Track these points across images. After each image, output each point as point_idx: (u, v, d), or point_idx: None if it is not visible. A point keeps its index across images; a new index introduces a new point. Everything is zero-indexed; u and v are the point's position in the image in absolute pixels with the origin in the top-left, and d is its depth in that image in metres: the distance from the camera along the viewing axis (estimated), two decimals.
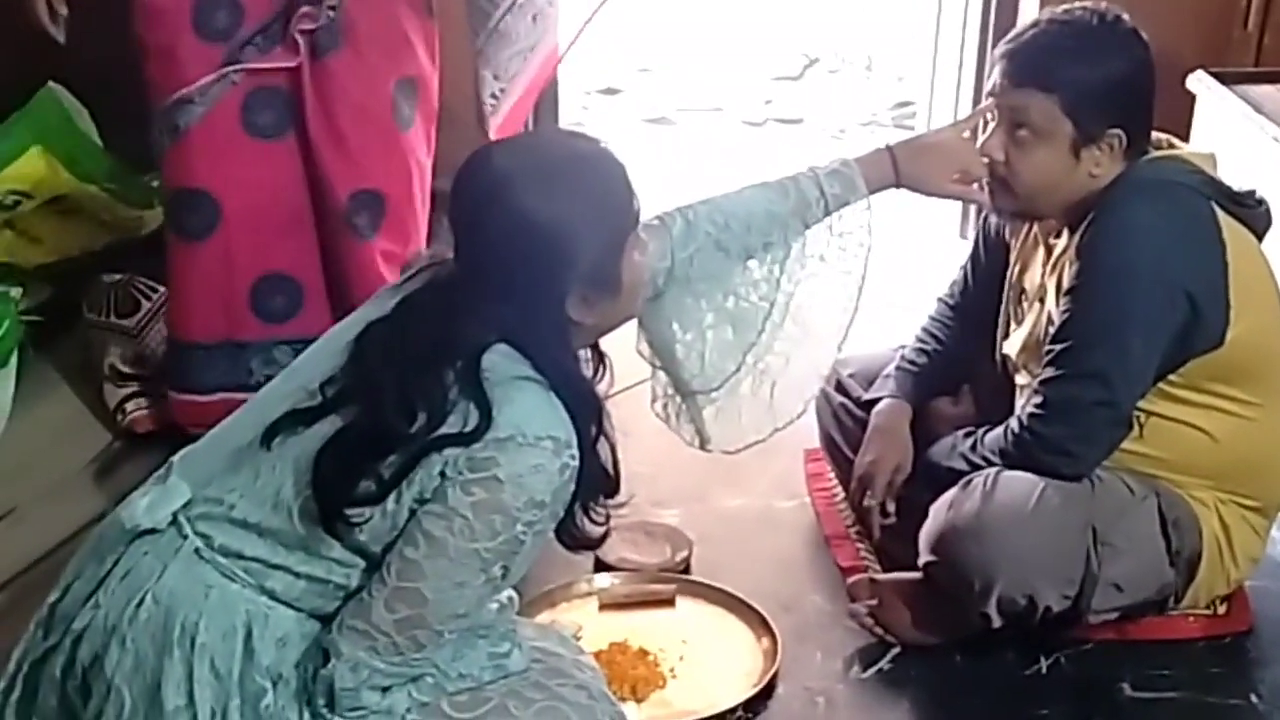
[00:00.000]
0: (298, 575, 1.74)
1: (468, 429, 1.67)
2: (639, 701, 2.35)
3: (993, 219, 2.61)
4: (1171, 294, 2.26)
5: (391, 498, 1.69)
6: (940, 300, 2.77)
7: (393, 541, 1.71)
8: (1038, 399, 2.35)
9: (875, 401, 2.69)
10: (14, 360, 3.13)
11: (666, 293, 2.17)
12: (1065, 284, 2.33)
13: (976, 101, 4.25)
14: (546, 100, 4.15)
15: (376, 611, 1.70)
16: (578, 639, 2.35)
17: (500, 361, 1.72)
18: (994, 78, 2.33)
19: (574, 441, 1.71)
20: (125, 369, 3.15)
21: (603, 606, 2.58)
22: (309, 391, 1.76)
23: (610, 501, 1.83)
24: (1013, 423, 2.40)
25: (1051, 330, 2.36)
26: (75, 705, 1.76)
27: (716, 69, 6.39)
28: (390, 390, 1.68)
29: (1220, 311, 2.28)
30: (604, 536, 1.86)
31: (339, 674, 1.71)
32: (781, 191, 2.19)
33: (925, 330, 2.75)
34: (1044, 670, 2.44)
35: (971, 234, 2.75)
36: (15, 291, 3.27)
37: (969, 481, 2.37)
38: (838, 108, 5.88)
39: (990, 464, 2.40)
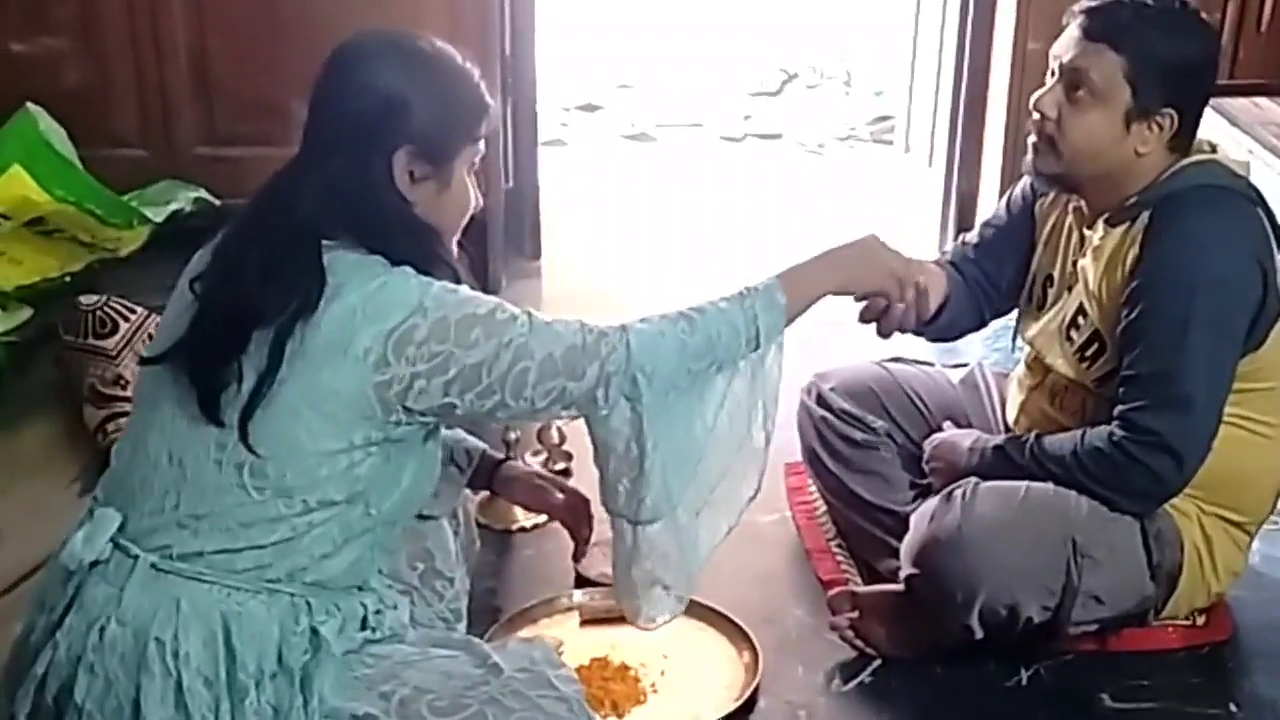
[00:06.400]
0: (262, 547, 1.74)
1: (311, 297, 1.71)
2: (620, 717, 2.35)
3: (1016, 193, 2.59)
4: (1251, 284, 2.26)
5: (334, 441, 1.73)
6: (950, 262, 2.65)
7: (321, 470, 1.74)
8: (1141, 422, 2.27)
9: (855, 414, 2.70)
10: None
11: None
12: (1129, 294, 2.28)
13: (954, 115, 4.28)
14: (525, 115, 4.17)
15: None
16: (559, 655, 2.36)
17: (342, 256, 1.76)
18: (1065, 35, 2.31)
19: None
20: (105, 390, 3.14)
21: (584, 622, 2.58)
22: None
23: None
24: (1098, 439, 2.33)
25: (1082, 320, 2.36)
26: None
27: (696, 85, 6.42)
28: (251, 265, 1.74)
29: (1274, 308, 2.29)
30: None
31: None
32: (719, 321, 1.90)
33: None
34: (1025, 682, 2.45)
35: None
36: None
37: (950, 493, 2.38)
38: (816, 123, 5.91)
39: (1047, 472, 2.36)
